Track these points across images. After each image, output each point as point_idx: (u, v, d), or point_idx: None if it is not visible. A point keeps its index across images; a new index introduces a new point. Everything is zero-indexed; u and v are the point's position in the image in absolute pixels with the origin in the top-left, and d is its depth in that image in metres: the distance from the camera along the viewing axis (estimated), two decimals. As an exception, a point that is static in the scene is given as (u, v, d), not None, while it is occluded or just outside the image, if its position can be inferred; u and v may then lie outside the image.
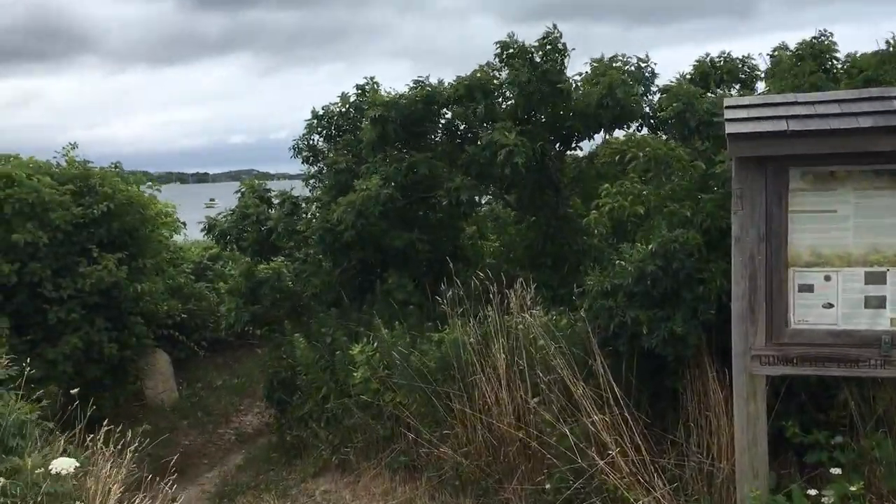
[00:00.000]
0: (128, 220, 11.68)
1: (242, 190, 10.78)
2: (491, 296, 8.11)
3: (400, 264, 9.83)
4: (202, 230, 11.08)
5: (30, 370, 11.40)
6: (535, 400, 7.30)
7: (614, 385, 6.94)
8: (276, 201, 10.51)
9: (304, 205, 10.12)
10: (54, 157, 11.64)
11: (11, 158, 11.14)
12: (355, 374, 8.58)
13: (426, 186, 9.77)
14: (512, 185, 9.99)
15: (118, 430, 13.41)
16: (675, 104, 7.76)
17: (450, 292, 8.34)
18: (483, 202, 10.94)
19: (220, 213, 11.23)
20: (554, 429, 7.04)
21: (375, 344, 8.67)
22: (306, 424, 9.63)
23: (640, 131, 9.33)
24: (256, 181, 10.83)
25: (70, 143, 11.73)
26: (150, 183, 12.72)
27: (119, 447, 6.84)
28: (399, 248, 9.60)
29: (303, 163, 10.88)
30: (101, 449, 6.46)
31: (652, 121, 9.13)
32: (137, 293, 11.74)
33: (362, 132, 9.87)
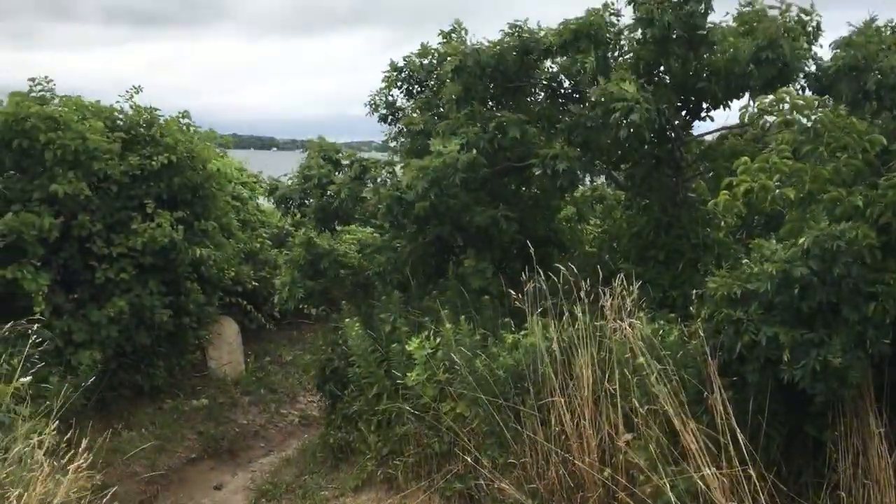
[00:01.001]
0: (190, 176, 10.54)
1: (308, 150, 9.40)
2: (583, 293, 6.44)
3: (480, 246, 8.24)
4: (265, 193, 9.80)
5: (70, 333, 10.64)
6: (628, 436, 5.60)
7: (736, 428, 5.17)
8: (345, 163, 9.07)
9: (373, 169, 8.64)
10: (117, 102, 10.61)
11: (70, 99, 10.16)
12: (409, 374, 7.09)
13: (517, 154, 8.11)
14: (623, 159, 8.20)
15: (171, 402, 12.59)
16: (846, 57, 5.80)
17: (532, 284, 6.70)
18: (586, 179, 9.17)
19: (286, 175, 9.92)
20: (649, 479, 5.32)
21: (438, 340, 7.13)
22: (355, 425, 8.23)
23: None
24: (327, 141, 9.41)
25: (134, 87, 10.67)
26: (219, 138, 11.54)
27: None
28: (480, 227, 8.01)
29: (380, 121, 9.41)
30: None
31: (816, 83, 7.10)
32: (196, 257, 10.61)
33: (445, 88, 8.29)
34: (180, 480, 10.48)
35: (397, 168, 8.48)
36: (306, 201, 9.25)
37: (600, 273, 6.59)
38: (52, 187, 9.09)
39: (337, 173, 8.90)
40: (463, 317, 7.05)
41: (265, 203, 15.78)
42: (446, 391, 6.98)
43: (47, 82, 9.92)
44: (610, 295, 6.27)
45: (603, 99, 6.77)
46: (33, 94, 9.54)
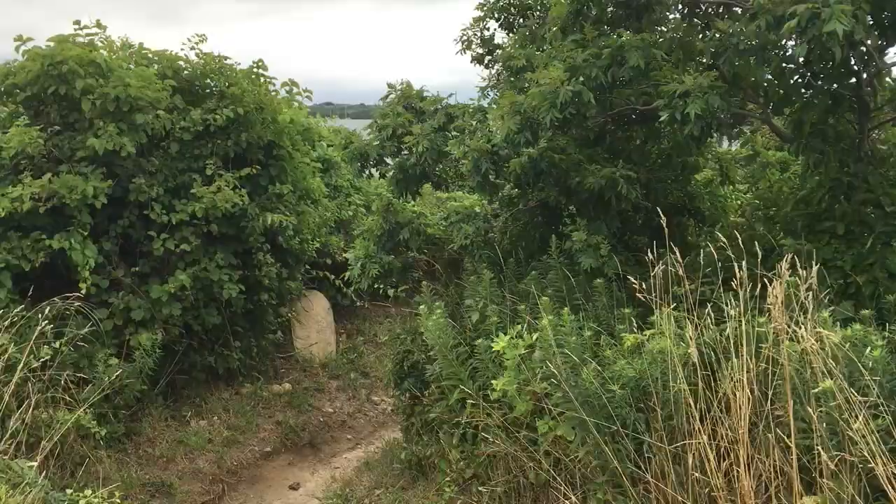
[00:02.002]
0: (259, 132, 9.19)
1: (390, 95, 7.77)
2: (734, 280, 4.61)
3: (593, 215, 6.45)
4: (342, 147, 8.31)
5: (128, 311, 9.55)
6: (811, 500, 3.75)
7: None
8: (430, 109, 7.40)
9: (461, 117, 6.95)
10: (181, 50, 9.36)
11: (126, 45, 8.98)
12: (496, 381, 5.43)
13: (642, 95, 6.24)
14: (787, 100, 6.17)
15: (249, 387, 11.42)
16: None
17: (663, 265, 4.89)
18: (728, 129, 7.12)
19: (366, 128, 8.38)
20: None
21: (535, 336, 5.42)
22: (436, 434, 6.68)
23: None
24: (410, 86, 7.77)
25: (198, 35, 9.36)
26: (298, 92, 10.13)
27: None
28: (593, 190, 6.20)
29: (473, 62, 7.69)
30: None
31: None
32: (268, 225, 9.29)
33: (552, 11, 6.47)
34: (251, 478, 9.27)
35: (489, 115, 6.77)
36: (386, 159, 7.69)
37: (758, 251, 4.72)
38: (90, 141, 7.90)
39: (417, 123, 7.25)
40: (567, 309, 5.28)
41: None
42: (545, 405, 5.29)
43: (101, 27, 8.78)
44: (777, 282, 4.40)
45: (771, 5, 4.77)
46: (79, 39, 8.37)
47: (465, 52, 7.65)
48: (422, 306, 6.33)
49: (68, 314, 8.11)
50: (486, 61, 7.68)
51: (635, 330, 5.09)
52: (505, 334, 5.57)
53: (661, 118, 5.48)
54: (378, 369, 12.35)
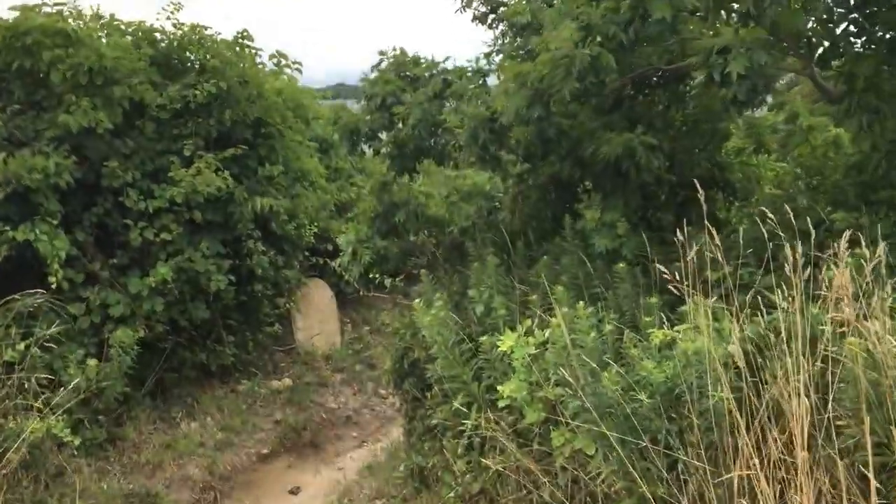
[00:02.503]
0: (244, 108, 8.44)
1: (381, 63, 6.95)
2: (779, 261, 3.84)
3: (610, 189, 5.64)
4: (332, 123, 7.53)
5: (105, 307, 8.81)
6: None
7: None
8: (426, 74, 6.58)
9: (458, 82, 6.13)
10: (157, 20, 8.58)
11: (96, 18, 8.22)
12: (502, 386, 4.67)
13: (665, 54, 5.42)
14: (834, 51, 5.32)
15: (246, 384, 10.68)
16: None
17: (695, 246, 4.09)
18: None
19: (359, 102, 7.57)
20: None
21: (547, 333, 4.64)
22: (440, 441, 5.94)
23: None
24: (404, 52, 6.94)
25: (173, 3, 8.57)
26: (287, 64, 9.36)
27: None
28: (609, 160, 5.38)
29: (475, 22, 6.87)
30: None
31: None
32: (256, 210, 8.56)
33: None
34: (247, 484, 8.61)
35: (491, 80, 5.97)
36: (379, 133, 6.90)
37: (811, 229, 3.92)
38: (62, 118, 7.16)
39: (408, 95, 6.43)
40: (582, 303, 4.51)
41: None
42: (560, 413, 4.52)
43: (68, -5, 8.01)
44: (835, 262, 3.63)
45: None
46: (46, 9, 7.62)
47: (465, 10, 6.83)
48: (416, 300, 5.55)
49: (38, 312, 7.45)
50: (489, 21, 6.85)
51: (664, 323, 4.31)
52: (513, 330, 4.81)
53: (694, 80, 4.65)
54: (386, 361, 11.62)
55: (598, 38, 4.80)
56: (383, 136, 7.07)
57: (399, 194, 6.77)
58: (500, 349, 4.78)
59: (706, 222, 4.06)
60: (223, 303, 9.09)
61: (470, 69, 6.09)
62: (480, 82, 5.90)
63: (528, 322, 4.85)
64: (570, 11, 5.04)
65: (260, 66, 8.89)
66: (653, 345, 4.21)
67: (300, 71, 9.39)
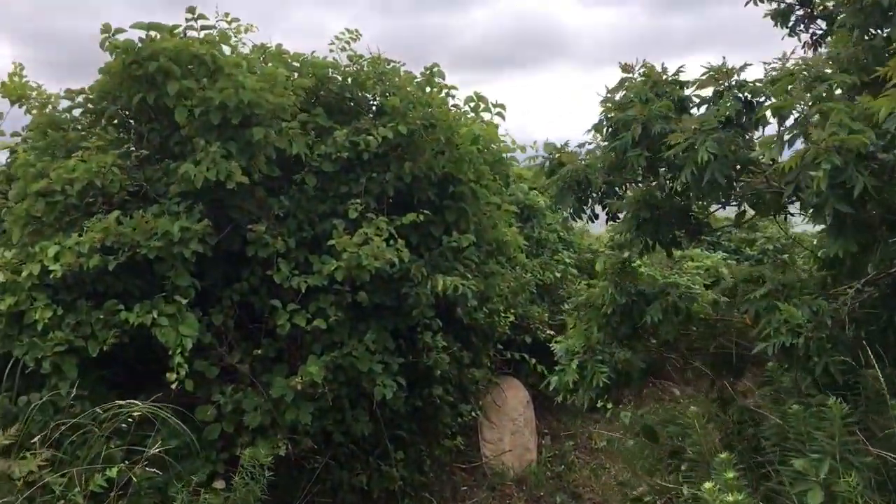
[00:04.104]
0: (430, 161, 6.44)
1: (625, 84, 4.63)
2: None
3: None
4: (547, 174, 5.27)
5: (241, 413, 6.66)
6: None
7: None
8: (701, 95, 4.18)
9: (771, 99, 3.69)
10: (330, 52, 6.83)
11: (259, 51, 6.60)
12: None
13: None
14: None
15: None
16: None
17: None
18: None
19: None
20: None
21: None
22: None
23: None
24: (655, 69, 4.61)
25: (349, 31, 6.80)
26: (486, 108, 7.33)
27: None
28: None
29: (766, 17, 4.43)
30: None
31: None
32: (438, 292, 6.44)
33: None
34: None
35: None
36: (617, 187, 4.58)
37: None
38: (184, 168, 5.42)
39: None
40: None
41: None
42: None
43: (228, 21, 6.45)
44: None
45: None
46: (192, 33, 6.03)
47: (779, 24, 4.44)
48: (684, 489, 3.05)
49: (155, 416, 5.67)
50: (797, 16, 4.40)
51: None
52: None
53: None
54: (595, 488, 9.00)
55: None
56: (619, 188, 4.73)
57: (650, 278, 4.36)
58: None
59: None
60: (393, 409, 6.97)
61: (791, 73, 3.62)
62: (822, 94, 3.43)
63: None
64: None
65: (454, 110, 6.89)
66: None
67: (503, 116, 7.28)
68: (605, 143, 4.37)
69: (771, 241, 12.71)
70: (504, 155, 7.61)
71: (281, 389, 6.13)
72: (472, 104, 7.34)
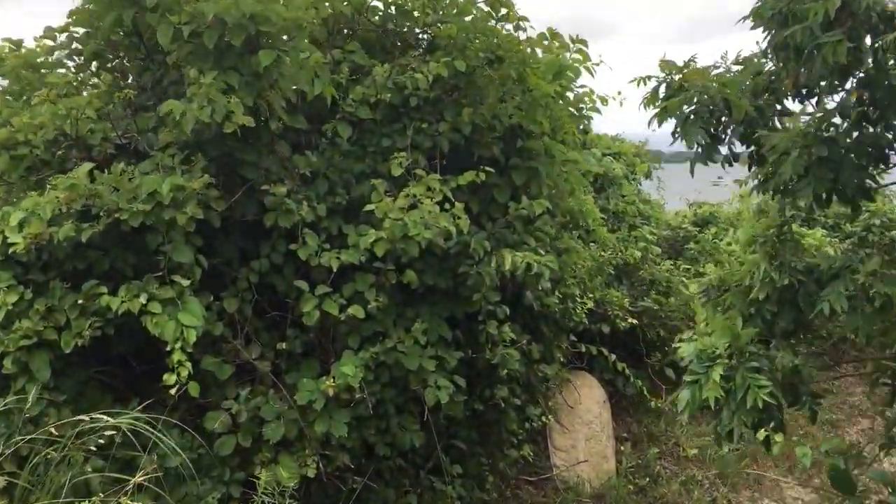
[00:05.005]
0: (495, 106, 5.09)
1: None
2: None
3: None
4: (650, 101, 3.85)
5: (259, 422, 5.25)
6: None
7: None
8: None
9: None
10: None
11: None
12: None
13: None
14: None
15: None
16: None
17: None
18: None
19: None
20: None
21: None
22: None
23: None
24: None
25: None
26: (562, 45, 5.94)
27: None
28: None
29: None
30: None
31: None
32: (506, 270, 5.11)
33: None
34: None
35: None
36: (760, 122, 3.19)
37: None
38: (165, 106, 4.13)
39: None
40: None
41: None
42: None
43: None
44: None
45: None
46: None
47: None
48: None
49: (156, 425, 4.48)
50: None
51: None
52: None
53: None
54: (685, 504, 7.59)
55: None
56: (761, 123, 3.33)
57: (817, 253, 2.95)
58: None
59: None
60: (448, 415, 5.67)
61: None
62: None
63: None
64: None
65: (525, 41, 5.51)
66: None
67: (585, 55, 5.89)
68: (758, 51, 2.97)
69: (875, 215, 11.12)
70: (584, 103, 6.20)
71: (309, 394, 4.87)
72: (546, 42, 5.95)
